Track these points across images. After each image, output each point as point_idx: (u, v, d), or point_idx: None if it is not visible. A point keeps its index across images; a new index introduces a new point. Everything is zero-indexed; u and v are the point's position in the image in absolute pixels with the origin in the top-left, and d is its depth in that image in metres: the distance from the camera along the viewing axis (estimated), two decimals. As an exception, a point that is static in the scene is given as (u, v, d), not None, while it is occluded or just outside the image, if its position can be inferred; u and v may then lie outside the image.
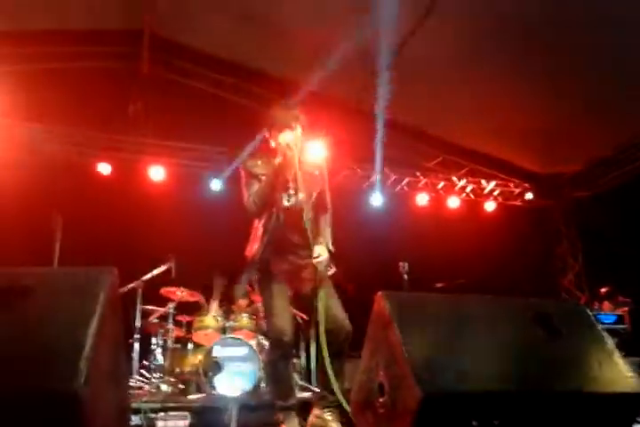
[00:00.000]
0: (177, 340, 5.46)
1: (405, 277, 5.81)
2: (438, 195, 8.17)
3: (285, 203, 3.04)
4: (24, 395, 1.52)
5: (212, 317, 5.51)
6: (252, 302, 5.90)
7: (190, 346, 5.41)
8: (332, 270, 3.26)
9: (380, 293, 2.19)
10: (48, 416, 1.54)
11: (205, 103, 7.14)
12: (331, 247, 3.18)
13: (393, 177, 7.96)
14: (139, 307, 5.38)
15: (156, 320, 5.54)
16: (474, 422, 1.88)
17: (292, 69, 6.94)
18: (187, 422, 4.09)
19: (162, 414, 4.09)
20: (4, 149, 6.48)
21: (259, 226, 3.11)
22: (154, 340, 5.47)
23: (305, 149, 3.26)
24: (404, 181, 8.04)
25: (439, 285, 6.30)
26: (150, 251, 5.89)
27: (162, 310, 5.54)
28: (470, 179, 8.23)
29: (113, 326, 1.91)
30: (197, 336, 5.41)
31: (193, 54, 7.24)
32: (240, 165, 3.28)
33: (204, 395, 4.89)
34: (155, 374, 5.22)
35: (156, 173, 7.04)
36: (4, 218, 5.89)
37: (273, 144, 3.11)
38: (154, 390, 4.94)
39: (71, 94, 6.37)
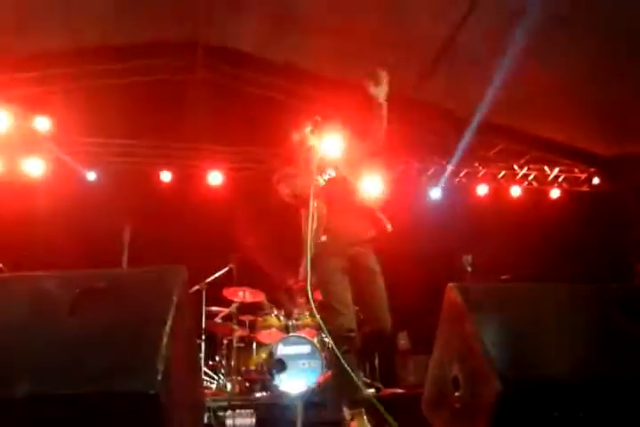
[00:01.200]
0: (241, 339, 5.57)
1: (469, 269, 5.70)
2: (499, 185, 7.93)
3: (322, 181, 3.22)
4: (102, 395, 1.55)
5: (274, 316, 5.60)
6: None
7: (254, 345, 5.51)
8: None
9: (450, 284, 2.12)
10: (126, 416, 1.57)
11: (258, 106, 7.24)
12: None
13: (450, 168, 7.80)
14: (203, 308, 5.55)
15: (220, 321, 5.68)
16: (555, 414, 1.81)
17: (344, 67, 6.92)
18: (253, 419, 4.16)
19: (229, 412, 4.18)
20: (69, 164, 6.84)
21: (308, 218, 3.17)
22: (219, 340, 5.61)
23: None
24: (463, 173, 7.86)
25: (504, 277, 6.13)
26: (212, 253, 6.05)
27: (225, 310, 5.68)
28: (532, 166, 7.93)
29: (186, 324, 1.94)
30: (261, 335, 5.51)
31: (243, 59, 7.35)
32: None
33: (269, 393, 4.97)
34: (220, 374, 5.35)
35: (215, 178, 7.24)
36: (78, 228, 6.22)
37: (294, 143, 3.44)
38: (220, 390, 5.06)
39: (128, 107, 6.62)
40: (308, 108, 7.27)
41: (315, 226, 3.14)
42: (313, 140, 3.32)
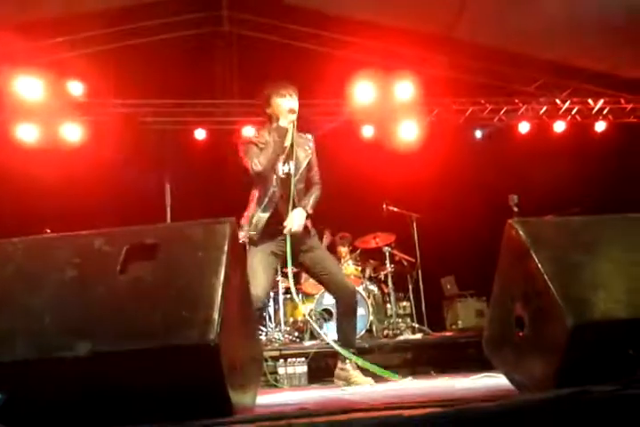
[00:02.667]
0: (286, 291, 5.64)
1: (515, 209, 5.58)
2: (541, 121, 7.63)
3: (280, 171, 3.30)
4: (162, 350, 1.56)
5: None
6: (354, 249, 5.94)
7: (300, 296, 5.58)
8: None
9: (510, 221, 2.00)
10: (187, 368, 1.58)
11: (288, 56, 7.06)
12: (308, 210, 3.33)
13: (489, 107, 7.53)
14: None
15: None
16: (630, 351, 1.75)
17: (375, 9, 6.63)
18: (305, 367, 4.26)
19: (281, 361, 4.28)
20: (102, 126, 6.86)
21: (255, 193, 3.34)
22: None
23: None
24: (502, 111, 7.58)
25: (552, 216, 5.98)
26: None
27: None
28: (575, 99, 7.58)
29: (238, 276, 1.92)
30: (306, 286, 5.57)
31: (270, 7, 7.13)
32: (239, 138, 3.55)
33: (318, 341, 5.05)
34: (270, 325, 5.46)
35: (249, 132, 7.15)
36: (119, 189, 6.31)
37: (271, 110, 3.32)
38: (270, 340, 5.18)
39: (158, 66, 6.56)
40: (338, 54, 7.08)
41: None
42: (286, 117, 3.25)
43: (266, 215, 3.24)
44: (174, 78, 6.76)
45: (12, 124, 6.60)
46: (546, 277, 1.77)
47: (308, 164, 3.38)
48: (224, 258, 1.76)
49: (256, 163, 3.23)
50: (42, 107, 6.57)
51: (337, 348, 3.26)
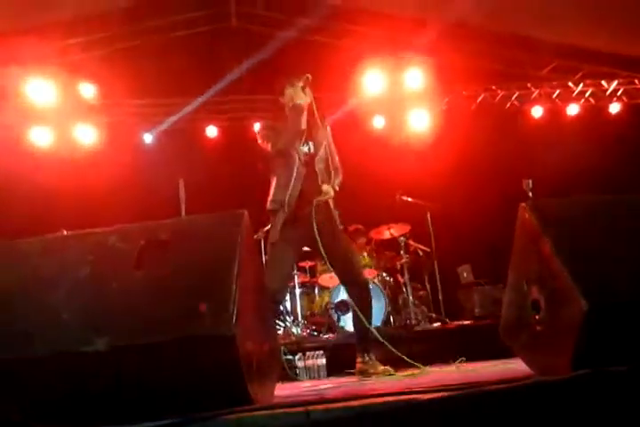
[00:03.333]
0: (303, 284, 5.66)
1: (530, 194, 5.53)
2: (555, 105, 7.54)
3: (301, 151, 3.30)
4: (179, 341, 1.57)
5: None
6: (370, 240, 5.93)
7: (316, 289, 5.59)
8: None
9: (523, 204, 1.98)
10: (204, 360, 1.58)
11: (295, 49, 7.04)
12: (336, 186, 3.36)
13: (501, 93, 7.45)
14: (263, 257, 5.62)
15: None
16: None
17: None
18: (324, 360, 4.27)
19: (299, 354, 4.30)
20: (118, 128, 6.92)
21: (279, 176, 3.31)
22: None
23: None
24: (515, 96, 7.50)
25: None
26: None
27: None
28: (589, 82, 7.48)
29: (253, 268, 1.92)
30: (322, 279, 5.58)
31: (276, 1, 7.12)
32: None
33: (336, 334, 5.06)
34: (287, 319, 5.48)
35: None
36: (134, 189, 6.36)
37: (285, 98, 3.34)
38: (288, 334, 5.20)
39: (168, 65, 6.59)
40: (346, 44, 7.05)
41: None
42: (302, 99, 3.27)
43: (295, 194, 3.23)
44: (184, 76, 6.78)
45: (26, 127, 6.67)
46: (560, 258, 1.75)
47: (329, 146, 3.42)
48: (237, 249, 1.77)
49: (274, 144, 3.27)
50: (54, 109, 6.63)
51: (375, 334, 3.30)
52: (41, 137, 6.67)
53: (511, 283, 2.13)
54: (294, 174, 3.24)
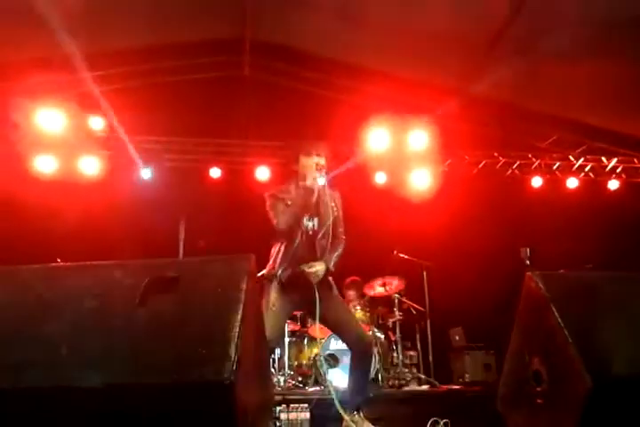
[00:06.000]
0: (292, 334, 5.56)
1: (527, 262, 5.55)
2: (554, 176, 7.69)
3: (305, 227, 3.31)
4: (176, 385, 1.54)
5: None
6: (363, 295, 5.89)
7: (306, 340, 5.49)
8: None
9: (531, 273, 1.99)
10: (200, 406, 1.55)
11: (305, 101, 7.22)
12: (331, 266, 3.33)
13: (502, 160, 7.61)
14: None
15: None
16: None
17: (394, 61, 6.82)
18: (308, 413, 4.14)
19: (283, 406, 4.17)
20: (124, 162, 6.98)
21: (280, 247, 3.34)
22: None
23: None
24: (516, 165, 7.65)
25: (562, 271, 5.94)
26: (262, 248, 6.05)
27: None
28: (589, 157, 7.66)
29: (255, 315, 1.91)
30: (313, 330, 5.48)
31: (289, 54, 7.33)
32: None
33: (322, 387, 4.94)
34: (273, 368, 5.35)
35: (262, 173, 7.27)
36: (134, 224, 6.35)
37: (298, 167, 3.37)
38: (274, 384, 5.06)
39: (179, 105, 6.71)
40: (353, 101, 7.23)
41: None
42: (314, 176, 3.28)
43: (290, 269, 3.25)
44: (193, 118, 6.91)
45: (32, 155, 6.71)
46: (566, 332, 1.75)
47: (334, 221, 3.38)
48: (243, 296, 1.75)
49: (280, 221, 3.26)
50: (62, 139, 6.69)
51: (336, 402, 3.18)
52: (46, 165, 6.70)
53: (513, 351, 2.11)
54: (293, 250, 3.26)
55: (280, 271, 3.26)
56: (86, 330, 1.68)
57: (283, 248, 3.31)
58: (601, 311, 1.84)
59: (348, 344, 3.44)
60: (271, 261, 3.35)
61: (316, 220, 3.34)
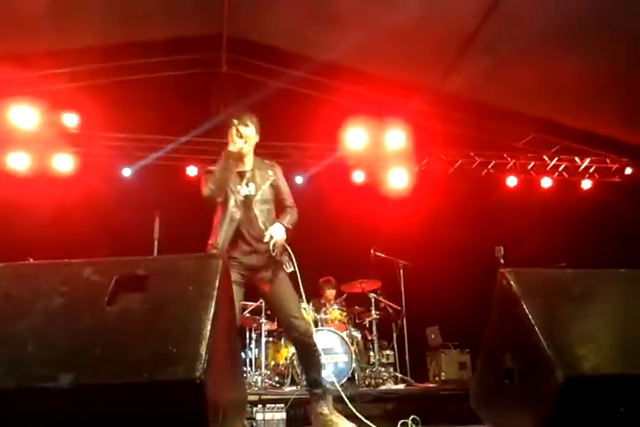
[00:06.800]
0: (269, 333, 5.54)
1: (502, 261, 5.61)
2: (529, 176, 7.78)
3: (240, 193, 3.27)
4: (146, 384, 1.51)
5: (302, 309, 5.55)
6: (341, 293, 5.89)
7: (283, 339, 5.47)
8: (289, 269, 3.31)
9: (503, 270, 2.01)
10: (171, 404, 1.54)
11: (282, 99, 7.19)
12: (287, 224, 3.28)
13: (478, 160, 7.68)
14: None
15: (248, 315, 5.65)
16: (621, 409, 1.71)
17: (368, 59, 6.84)
18: (284, 414, 4.12)
19: (259, 406, 4.15)
20: (97, 159, 6.88)
21: (216, 218, 3.28)
22: (247, 334, 5.59)
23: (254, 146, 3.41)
24: (491, 164, 7.73)
25: (562, 264, 6.02)
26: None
27: (254, 304, 5.64)
28: (563, 157, 7.77)
29: (226, 312, 1.88)
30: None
31: (266, 51, 7.30)
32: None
33: (299, 387, 4.92)
34: (249, 368, 5.33)
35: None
36: (107, 221, 6.26)
37: (229, 139, 3.31)
38: (250, 383, 5.03)
39: (155, 103, 6.64)
40: (331, 99, 7.23)
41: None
42: (234, 143, 3.27)
43: (229, 237, 3.18)
44: (169, 115, 6.83)
45: (3, 152, 6.58)
46: (537, 329, 1.77)
47: (272, 187, 3.38)
48: (214, 293, 1.73)
49: (205, 190, 3.21)
50: (35, 136, 6.58)
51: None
52: (18, 162, 6.58)
53: (485, 348, 2.12)
54: (228, 217, 3.20)
55: (221, 241, 3.16)
56: (54, 329, 1.64)
57: (220, 217, 3.25)
58: (571, 308, 1.86)
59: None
60: (210, 238, 3.25)
61: (252, 185, 3.31)
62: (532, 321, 1.78)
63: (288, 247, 3.30)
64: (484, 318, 2.17)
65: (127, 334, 1.63)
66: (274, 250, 3.18)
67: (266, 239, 3.15)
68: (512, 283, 1.91)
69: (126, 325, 1.66)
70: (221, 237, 3.18)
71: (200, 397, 1.51)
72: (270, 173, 3.41)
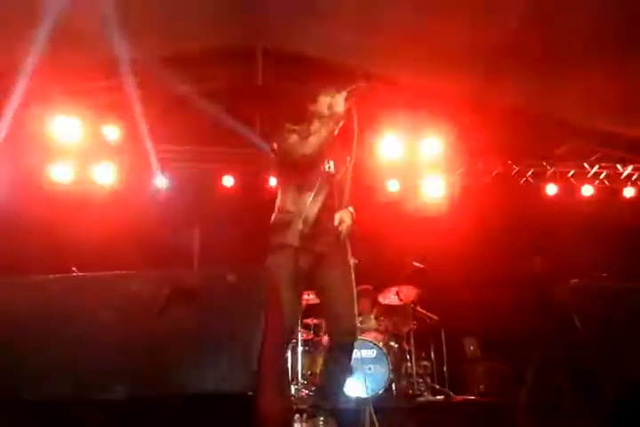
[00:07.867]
0: (305, 342, 5.54)
1: (540, 271, 5.52)
2: (569, 184, 7.63)
3: (325, 166, 2.90)
4: (197, 397, 1.53)
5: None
6: (376, 303, 5.86)
7: (319, 349, 5.46)
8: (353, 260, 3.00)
9: (560, 284, 2.00)
10: (219, 417, 1.55)
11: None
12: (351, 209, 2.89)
13: (516, 169, 7.57)
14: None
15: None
16: None
17: (404, 69, 6.83)
18: (320, 424, 4.11)
19: (297, 416, 4.15)
20: (140, 169, 7.02)
21: (294, 184, 2.89)
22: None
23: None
24: (529, 173, 7.61)
25: (575, 280, 5.88)
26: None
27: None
28: (604, 164, 7.61)
29: (275, 326, 1.90)
30: (326, 339, 5.46)
31: (303, 62, 7.35)
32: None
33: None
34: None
35: (275, 181, 7.28)
36: (148, 234, 6.38)
37: (315, 106, 2.97)
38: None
39: (193, 114, 6.74)
40: (371, 110, 7.23)
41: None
42: (342, 108, 2.82)
43: (315, 208, 2.77)
44: (206, 126, 6.94)
45: (46, 165, 6.75)
46: (594, 346, 1.73)
47: (346, 174, 3.02)
48: (263, 307, 1.75)
49: (305, 147, 2.79)
50: (77, 148, 6.74)
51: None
52: (61, 174, 6.74)
53: (536, 363, 2.09)
54: (316, 186, 2.80)
55: (300, 221, 2.71)
56: (107, 341, 1.68)
57: (301, 187, 2.83)
58: (629, 325, 1.81)
59: (326, 326, 3.01)
60: (284, 204, 2.85)
61: (332, 162, 2.93)
62: (588, 339, 1.74)
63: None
64: (525, 329, 2.14)
65: (178, 346, 1.66)
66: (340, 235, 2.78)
67: (340, 227, 2.77)
68: (570, 298, 1.88)
69: (177, 337, 1.68)
70: (307, 205, 2.78)
71: (251, 410, 1.53)
72: (346, 158, 3.06)
